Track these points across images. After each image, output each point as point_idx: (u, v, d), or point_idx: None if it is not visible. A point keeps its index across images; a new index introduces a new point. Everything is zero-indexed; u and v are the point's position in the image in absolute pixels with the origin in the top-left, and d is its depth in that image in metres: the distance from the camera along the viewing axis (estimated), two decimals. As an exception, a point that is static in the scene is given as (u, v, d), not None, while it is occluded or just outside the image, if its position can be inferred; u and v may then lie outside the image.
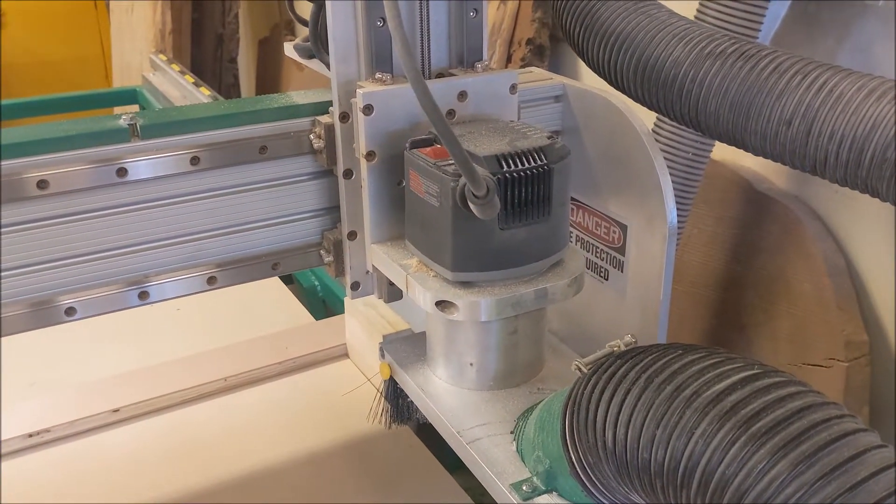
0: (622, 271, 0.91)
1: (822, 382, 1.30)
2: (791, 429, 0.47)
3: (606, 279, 0.94)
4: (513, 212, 0.68)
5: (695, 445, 0.49)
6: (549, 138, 0.71)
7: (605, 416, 0.55)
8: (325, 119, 0.80)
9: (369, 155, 0.76)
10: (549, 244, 0.72)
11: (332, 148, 0.80)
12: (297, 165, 0.82)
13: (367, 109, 0.74)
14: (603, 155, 0.91)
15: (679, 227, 1.26)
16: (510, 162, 0.67)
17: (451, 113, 0.78)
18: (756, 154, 0.83)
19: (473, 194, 0.61)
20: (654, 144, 0.85)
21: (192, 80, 2.14)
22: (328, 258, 0.85)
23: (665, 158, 0.89)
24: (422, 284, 0.70)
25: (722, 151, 1.32)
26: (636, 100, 0.88)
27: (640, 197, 0.87)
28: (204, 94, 2.03)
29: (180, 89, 2.20)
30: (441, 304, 0.69)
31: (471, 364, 0.75)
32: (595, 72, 0.91)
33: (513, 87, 0.80)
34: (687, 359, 0.55)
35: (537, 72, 0.97)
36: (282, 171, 0.82)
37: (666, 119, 1.08)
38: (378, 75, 0.76)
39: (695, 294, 1.50)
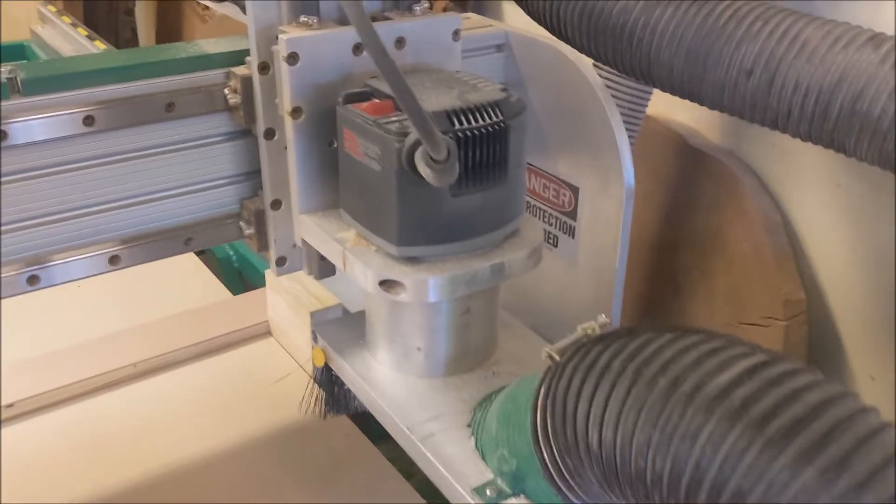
0: (573, 237, 0.84)
1: (759, 341, 1.28)
2: (813, 429, 0.40)
3: (556, 246, 0.86)
4: (466, 176, 0.59)
5: (702, 452, 0.42)
6: (502, 90, 0.62)
7: (588, 414, 0.48)
8: (241, 71, 0.70)
9: (295, 111, 0.66)
10: (506, 212, 0.63)
11: (250, 104, 0.70)
12: (210, 125, 0.72)
13: (292, 59, 0.64)
14: (552, 111, 0.83)
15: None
16: (462, 118, 0.59)
17: (387, 63, 0.68)
18: (712, 108, 0.77)
19: (431, 157, 0.52)
20: (609, 99, 0.78)
21: (86, 34, 1.97)
22: (249, 230, 0.75)
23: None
24: (362, 261, 0.61)
25: (655, 106, 1.25)
26: (581, 50, 0.80)
27: (593, 157, 0.79)
28: (98, 48, 1.88)
29: (73, 43, 2.04)
30: (385, 284, 0.60)
31: (418, 348, 0.67)
32: (534, 19, 0.83)
33: (456, 34, 0.71)
34: (680, 344, 0.47)
35: (475, 18, 0.88)
36: (192, 132, 0.71)
37: (603, 67, 1.01)
38: (303, 19, 0.66)
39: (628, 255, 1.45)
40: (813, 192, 1.20)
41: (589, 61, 0.81)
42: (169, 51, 0.71)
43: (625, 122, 1.18)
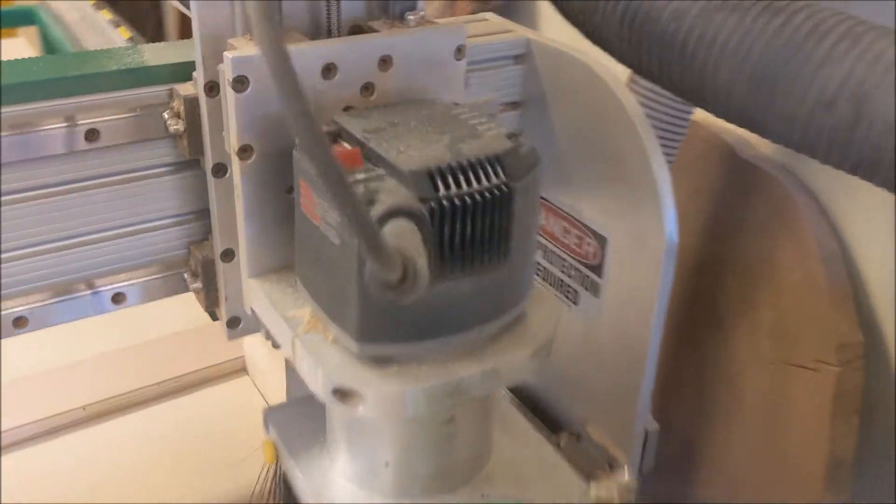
0: (597, 296, 0.69)
1: (807, 387, 1.13)
2: None
3: (575, 303, 0.71)
4: (452, 257, 0.44)
5: None
6: (509, 137, 0.47)
7: None
8: (186, 90, 0.55)
9: (243, 151, 0.51)
10: (506, 297, 0.48)
11: (195, 133, 0.55)
12: (149, 154, 0.57)
13: (240, 84, 0.49)
14: (578, 140, 0.67)
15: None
16: (450, 180, 0.43)
17: (368, 87, 0.53)
18: (778, 142, 0.62)
19: (381, 277, 0.37)
20: (649, 133, 0.62)
21: (110, 17, 1.85)
22: (195, 283, 0.61)
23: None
24: (314, 357, 0.47)
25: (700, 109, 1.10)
26: (619, 58, 0.65)
27: (626, 202, 0.64)
28: (105, 18, 1.76)
29: (79, 11, 1.92)
30: (340, 393, 0.45)
31: (387, 464, 0.52)
32: (567, 19, 0.68)
33: (459, 51, 0.56)
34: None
35: (493, 20, 0.73)
36: (122, 164, 0.57)
37: (641, 82, 0.86)
38: (258, 31, 0.51)
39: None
40: (877, 219, 1.05)
41: (624, 74, 0.65)
42: (96, 60, 0.56)
43: (665, 133, 1.02)
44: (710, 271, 1.25)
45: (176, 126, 0.55)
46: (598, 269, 0.68)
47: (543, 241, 0.74)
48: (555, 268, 0.73)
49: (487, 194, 0.44)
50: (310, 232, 0.48)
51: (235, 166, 0.52)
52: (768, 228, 1.16)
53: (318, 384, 0.46)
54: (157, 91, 0.56)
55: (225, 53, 0.49)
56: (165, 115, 0.55)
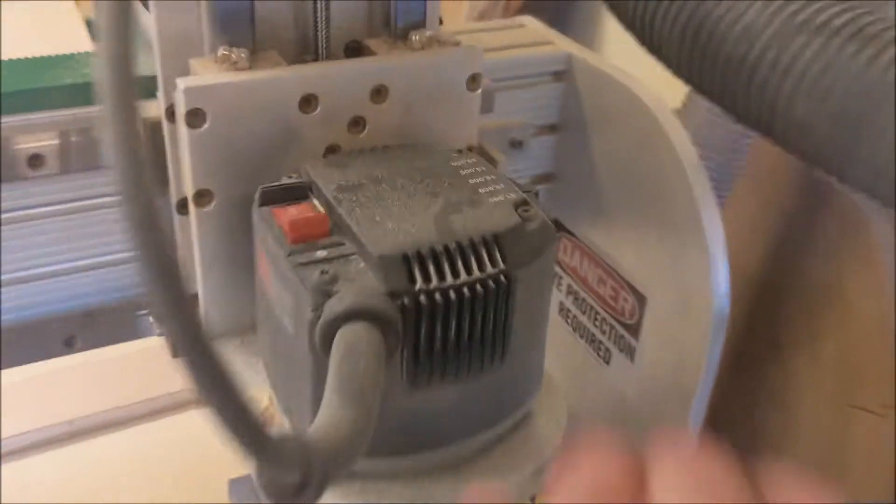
0: (632, 360, 0.59)
1: (870, 433, 1.02)
2: None
3: (607, 363, 0.62)
4: (431, 362, 0.35)
5: None
6: (519, 206, 0.37)
7: None
8: (148, 111, 0.46)
9: (201, 196, 0.42)
10: (502, 404, 0.39)
11: (158, 161, 0.47)
12: (104, 181, 0.49)
13: (195, 118, 0.40)
14: (619, 175, 0.57)
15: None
16: (431, 268, 0.34)
17: (357, 122, 0.44)
18: (861, 191, 0.51)
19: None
20: (700, 175, 0.52)
21: None
22: (161, 328, 0.52)
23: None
24: (261, 463, 0.38)
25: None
26: (678, 75, 0.54)
27: (671, 256, 0.54)
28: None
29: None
30: (288, 516, 0.37)
31: (351, 585, 0.44)
32: (622, 23, 0.57)
33: (473, 79, 0.46)
34: None
35: (531, 27, 0.63)
36: (75, 191, 0.48)
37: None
38: (224, 51, 0.42)
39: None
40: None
41: (677, 99, 0.55)
42: (49, 71, 0.48)
43: (719, 172, 0.91)
44: (771, 294, 1.14)
45: (135, 153, 0.46)
46: (634, 329, 0.58)
47: (575, 285, 0.64)
48: (586, 318, 0.63)
49: (480, 287, 0.34)
50: (267, 308, 0.39)
51: (192, 213, 0.43)
52: (838, 252, 1.05)
53: (265, 494, 0.37)
54: (118, 108, 0.47)
55: (178, 80, 0.40)
56: (123, 140, 0.46)
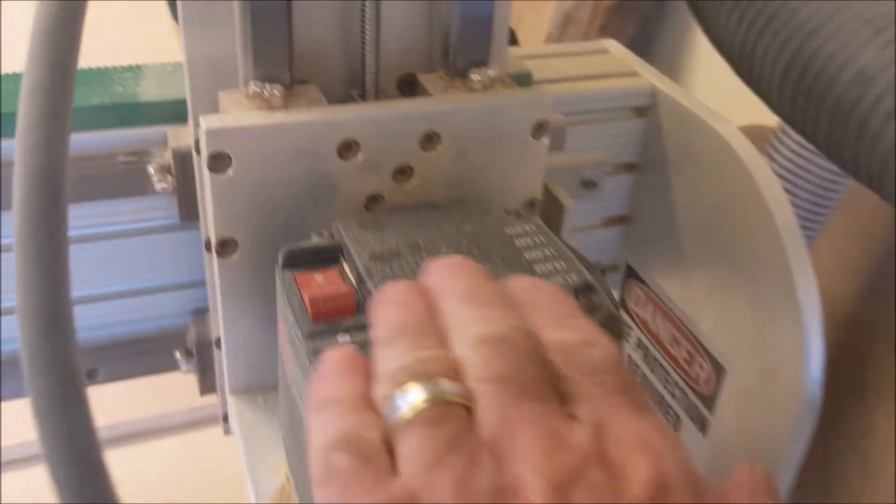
0: (704, 433, 0.53)
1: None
2: None
3: (676, 430, 0.55)
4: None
5: None
6: (580, 292, 0.32)
7: None
8: (178, 140, 0.42)
9: (223, 246, 0.38)
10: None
11: (188, 194, 0.43)
12: (131, 208, 0.45)
13: (218, 163, 0.36)
14: (701, 224, 0.51)
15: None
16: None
17: (404, 171, 0.39)
18: None
19: None
20: (796, 239, 0.46)
21: None
22: (187, 365, 0.49)
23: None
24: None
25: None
26: (779, 114, 0.47)
27: (755, 323, 0.48)
28: None
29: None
30: None
31: None
32: (718, 50, 0.51)
33: (539, 127, 0.40)
34: None
35: (615, 52, 0.56)
36: (99, 217, 0.45)
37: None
38: (256, 87, 0.37)
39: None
40: None
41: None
42: (79, 90, 0.44)
43: (809, 216, 0.84)
44: (859, 333, 1.05)
45: (163, 185, 0.42)
46: (709, 400, 0.52)
47: (646, 340, 0.58)
48: (656, 379, 0.57)
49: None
50: (285, 382, 0.34)
51: (214, 262, 0.38)
52: (944, 294, 0.96)
53: None
54: (149, 133, 0.43)
55: (200, 118, 0.35)
56: (150, 169, 0.42)
